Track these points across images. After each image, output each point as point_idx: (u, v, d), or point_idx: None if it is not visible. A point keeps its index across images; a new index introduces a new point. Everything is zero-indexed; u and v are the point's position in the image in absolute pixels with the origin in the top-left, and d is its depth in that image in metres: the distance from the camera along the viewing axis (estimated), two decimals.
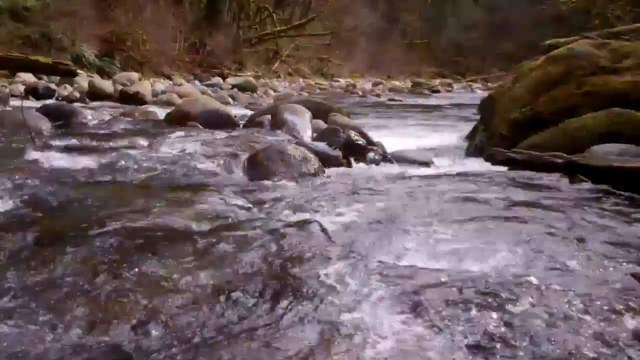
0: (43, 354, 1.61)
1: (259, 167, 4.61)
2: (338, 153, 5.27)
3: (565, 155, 4.68)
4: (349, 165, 5.27)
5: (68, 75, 12.52)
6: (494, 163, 5.16)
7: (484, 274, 2.27)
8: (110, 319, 1.77)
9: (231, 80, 22.23)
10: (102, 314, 1.79)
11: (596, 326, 1.83)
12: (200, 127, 6.64)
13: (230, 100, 15.41)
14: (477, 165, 5.53)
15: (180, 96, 12.90)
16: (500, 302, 1.97)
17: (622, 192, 3.89)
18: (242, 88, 20.04)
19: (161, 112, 8.35)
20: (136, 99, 12.93)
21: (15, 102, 8.93)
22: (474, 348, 1.70)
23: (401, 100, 20.04)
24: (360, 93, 24.67)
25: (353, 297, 2.00)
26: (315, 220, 2.91)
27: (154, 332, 1.72)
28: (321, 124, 6.96)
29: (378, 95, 23.78)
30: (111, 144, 5.02)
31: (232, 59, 28.77)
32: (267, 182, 4.28)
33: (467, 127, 7.84)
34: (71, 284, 1.96)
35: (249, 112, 9.39)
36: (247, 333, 1.76)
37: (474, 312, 1.91)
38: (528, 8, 40.04)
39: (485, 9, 48.36)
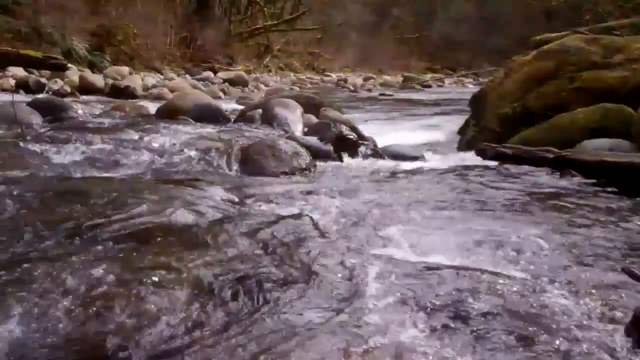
0: (36, 349, 1.61)
1: (250, 161, 4.61)
2: (329, 148, 5.27)
3: (555, 150, 4.70)
4: (341, 159, 5.27)
5: (58, 70, 12.48)
6: (485, 158, 5.18)
7: (472, 267, 2.28)
8: (104, 312, 1.77)
9: (222, 74, 22.18)
10: (97, 309, 1.79)
11: (587, 321, 1.85)
12: (191, 121, 6.61)
13: (222, 94, 15.40)
14: (468, 159, 5.53)
15: (171, 90, 12.89)
16: (487, 296, 1.98)
17: (612, 187, 3.91)
18: (233, 82, 20.03)
19: (152, 107, 8.31)
20: (127, 93, 12.91)
21: (5, 97, 8.89)
22: (465, 340, 1.71)
23: (392, 95, 20.04)
24: (352, 87, 24.67)
25: (343, 290, 2.01)
26: (307, 215, 2.91)
27: (148, 326, 1.72)
28: (312, 118, 6.96)
29: (369, 90, 23.80)
30: (102, 138, 4.99)
31: (223, 53, 28.68)
32: (258, 177, 4.28)
33: (458, 122, 7.85)
34: (64, 278, 1.96)
35: (240, 107, 9.37)
36: (236, 326, 1.76)
37: (462, 304, 1.92)
38: (519, 3, 40.06)
39: (475, 3, 48.35)
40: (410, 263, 2.33)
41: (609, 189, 3.87)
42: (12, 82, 12.61)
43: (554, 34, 8.82)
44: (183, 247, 2.29)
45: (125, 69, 17.75)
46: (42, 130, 5.49)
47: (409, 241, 2.71)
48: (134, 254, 2.19)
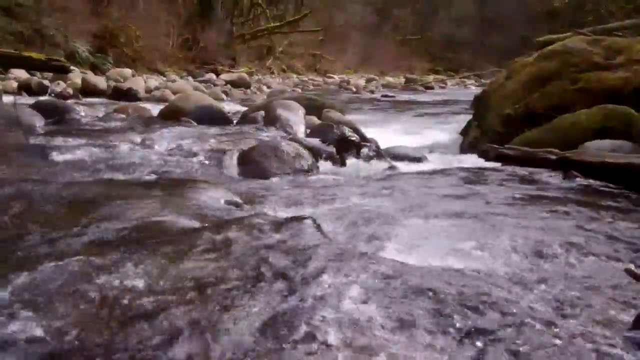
0: (34, 351, 1.61)
1: (253, 163, 4.61)
2: (332, 149, 5.27)
3: (558, 151, 4.70)
4: (343, 161, 5.27)
5: (61, 72, 12.52)
6: (488, 159, 5.18)
7: (475, 270, 2.28)
8: (102, 315, 1.77)
9: (225, 76, 22.21)
10: (94, 310, 1.79)
11: (589, 321, 1.84)
12: (194, 123, 6.62)
13: (224, 96, 15.42)
14: (471, 161, 5.53)
15: (174, 92, 12.89)
16: (488, 298, 1.97)
17: (614, 188, 3.91)
18: (236, 84, 20.03)
19: (154, 109, 8.33)
20: (129, 95, 12.91)
21: (8, 99, 8.90)
22: (464, 344, 1.71)
23: (394, 97, 20.02)
24: (354, 89, 24.67)
25: (344, 293, 2.01)
26: (309, 217, 2.91)
27: (144, 327, 1.72)
28: (315, 120, 6.97)
29: (371, 91, 23.80)
30: (104, 140, 5.00)
31: (225, 55, 28.71)
32: (260, 178, 4.28)
33: (461, 123, 7.85)
34: (62, 280, 1.96)
35: (243, 108, 9.38)
36: (234, 328, 1.76)
37: (463, 307, 1.92)
38: (520, 3, 40.07)
39: (477, 4, 48.40)
40: (412, 266, 2.32)
41: (612, 190, 3.87)
42: (15, 84, 12.64)
43: (556, 35, 8.82)
44: (184, 249, 2.29)
45: (128, 71, 17.79)
46: (45, 132, 5.50)
47: (411, 243, 2.71)
48: (135, 255, 2.19)
